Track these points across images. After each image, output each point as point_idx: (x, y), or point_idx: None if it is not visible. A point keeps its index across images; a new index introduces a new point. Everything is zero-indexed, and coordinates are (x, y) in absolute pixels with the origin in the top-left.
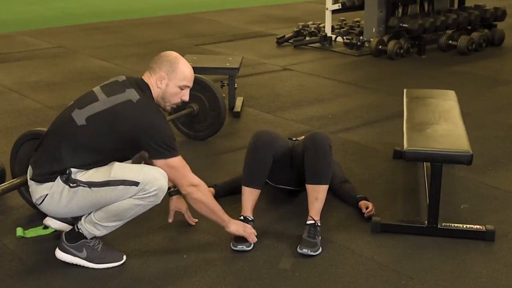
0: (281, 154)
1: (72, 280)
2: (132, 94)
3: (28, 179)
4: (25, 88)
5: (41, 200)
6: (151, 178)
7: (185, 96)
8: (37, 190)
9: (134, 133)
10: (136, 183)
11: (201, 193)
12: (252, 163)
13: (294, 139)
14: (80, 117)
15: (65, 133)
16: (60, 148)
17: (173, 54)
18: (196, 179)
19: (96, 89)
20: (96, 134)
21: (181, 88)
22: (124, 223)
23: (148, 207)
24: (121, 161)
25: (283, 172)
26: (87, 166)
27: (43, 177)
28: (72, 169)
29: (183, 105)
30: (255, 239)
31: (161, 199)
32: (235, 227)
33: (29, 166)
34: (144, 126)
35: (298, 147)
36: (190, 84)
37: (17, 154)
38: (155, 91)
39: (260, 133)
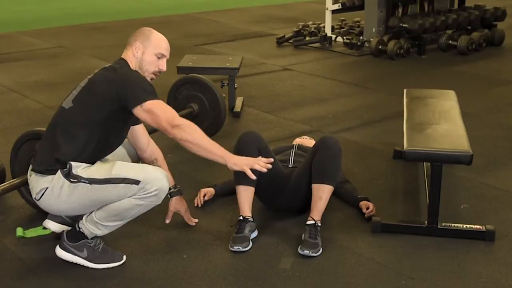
0: (275, 177)
1: (72, 280)
2: (106, 65)
3: (29, 173)
4: (25, 88)
5: (40, 195)
6: (152, 177)
7: (162, 65)
8: (38, 184)
9: (111, 90)
10: (137, 182)
11: (186, 132)
12: None
13: (291, 165)
14: (67, 102)
15: (58, 120)
16: (55, 135)
17: (147, 28)
18: (178, 119)
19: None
20: (83, 109)
21: (157, 56)
22: (125, 223)
23: (149, 207)
24: (117, 137)
25: (279, 199)
26: (83, 152)
27: (44, 168)
28: (73, 163)
29: (183, 105)
30: (265, 166)
31: (161, 199)
32: (236, 161)
33: (30, 164)
34: (117, 80)
35: (299, 171)
36: (167, 53)
37: (17, 154)
38: (133, 61)
39: (244, 132)
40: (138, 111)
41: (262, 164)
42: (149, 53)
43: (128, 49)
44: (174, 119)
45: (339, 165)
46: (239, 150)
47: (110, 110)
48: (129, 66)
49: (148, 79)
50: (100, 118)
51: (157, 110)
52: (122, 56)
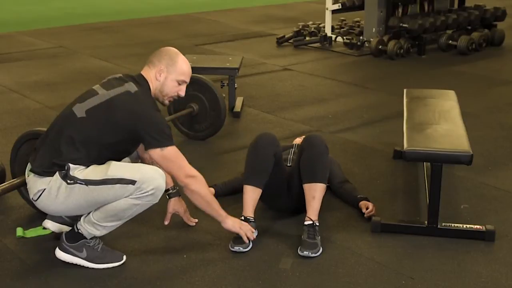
0: (278, 176)
1: (72, 280)
2: (130, 86)
3: (27, 173)
4: (25, 88)
5: (38, 196)
6: (148, 177)
7: (182, 91)
8: (35, 185)
9: (130, 123)
10: (132, 182)
11: (199, 185)
12: (254, 161)
13: (289, 165)
14: (80, 110)
15: (66, 125)
16: (59, 141)
17: (173, 49)
18: (193, 171)
19: (96, 86)
20: (95, 126)
21: (179, 82)
22: (123, 222)
23: (146, 207)
24: (120, 156)
25: (281, 199)
26: (85, 161)
27: (42, 170)
28: (71, 165)
29: (183, 105)
30: (252, 237)
31: (158, 198)
32: (232, 223)
33: (28, 163)
34: (140, 116)
35: (294, 170)
36: (188, 79)
37: (17, 154)
38: (154, 84)
39: (262, 133)
40: (154, 153)
41: (250, 235)
42: (172, 78)
43: (151, 69)
44: (190, 170)
45: (326, 162)
46: (256, 153)
47: (122, 137)
48: (149, 88)
49: (166, 101)
50: (109, 141)
51: (174, 159)
52: (143, 73)
